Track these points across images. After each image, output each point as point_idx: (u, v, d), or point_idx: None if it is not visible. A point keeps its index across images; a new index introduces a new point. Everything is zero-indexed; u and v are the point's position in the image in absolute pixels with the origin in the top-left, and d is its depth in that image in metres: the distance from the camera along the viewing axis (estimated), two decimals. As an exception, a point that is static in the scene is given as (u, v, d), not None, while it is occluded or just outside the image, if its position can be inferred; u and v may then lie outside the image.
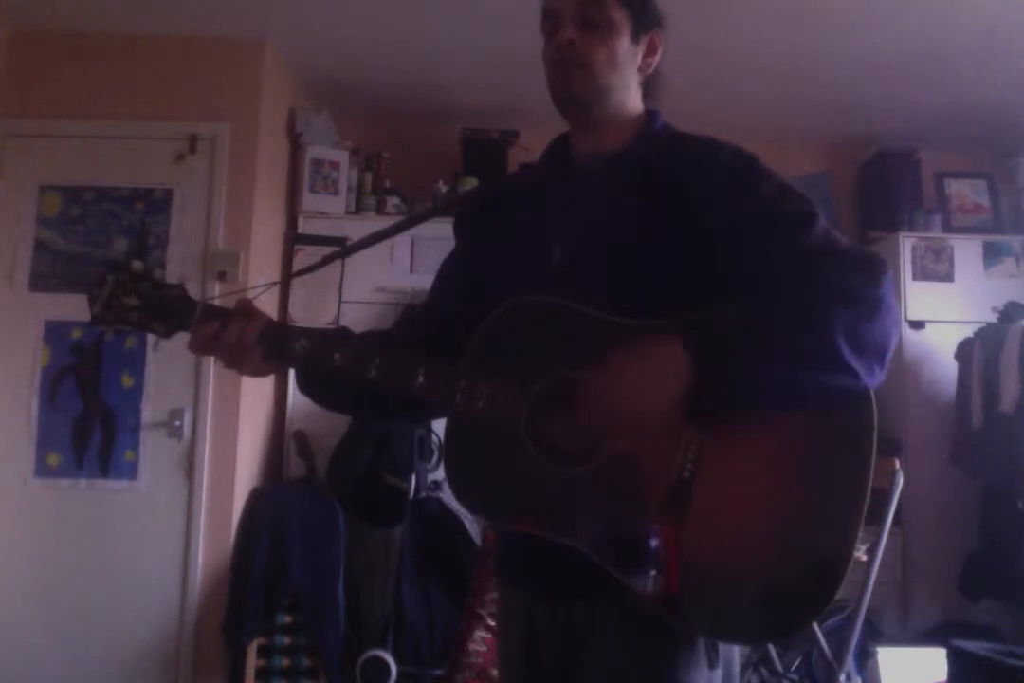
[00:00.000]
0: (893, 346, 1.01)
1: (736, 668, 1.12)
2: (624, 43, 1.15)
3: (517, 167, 1.37)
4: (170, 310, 1.13)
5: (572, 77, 1.14)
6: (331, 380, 1.16)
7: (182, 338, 1.16)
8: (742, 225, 1.07)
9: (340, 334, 1.21)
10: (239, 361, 1.13)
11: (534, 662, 1.17)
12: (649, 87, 1.23)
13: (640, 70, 1.20)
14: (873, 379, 0.99)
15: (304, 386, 1.24)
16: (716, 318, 1.02)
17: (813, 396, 0.99)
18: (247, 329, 1.11)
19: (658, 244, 1.10)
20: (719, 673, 1.08)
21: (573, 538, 1.04)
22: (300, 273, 1.31)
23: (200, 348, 1.13)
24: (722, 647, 1.09)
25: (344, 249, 1.33)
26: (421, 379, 1.07)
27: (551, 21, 1.17)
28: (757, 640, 1.09)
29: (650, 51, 1.20)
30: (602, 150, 1.18)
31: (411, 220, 1.35)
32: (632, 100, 1.21)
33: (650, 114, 1.23)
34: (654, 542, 1.00)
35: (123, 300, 1.12)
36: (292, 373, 1.25)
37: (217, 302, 1.18)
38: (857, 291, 0.99)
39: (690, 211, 1.09)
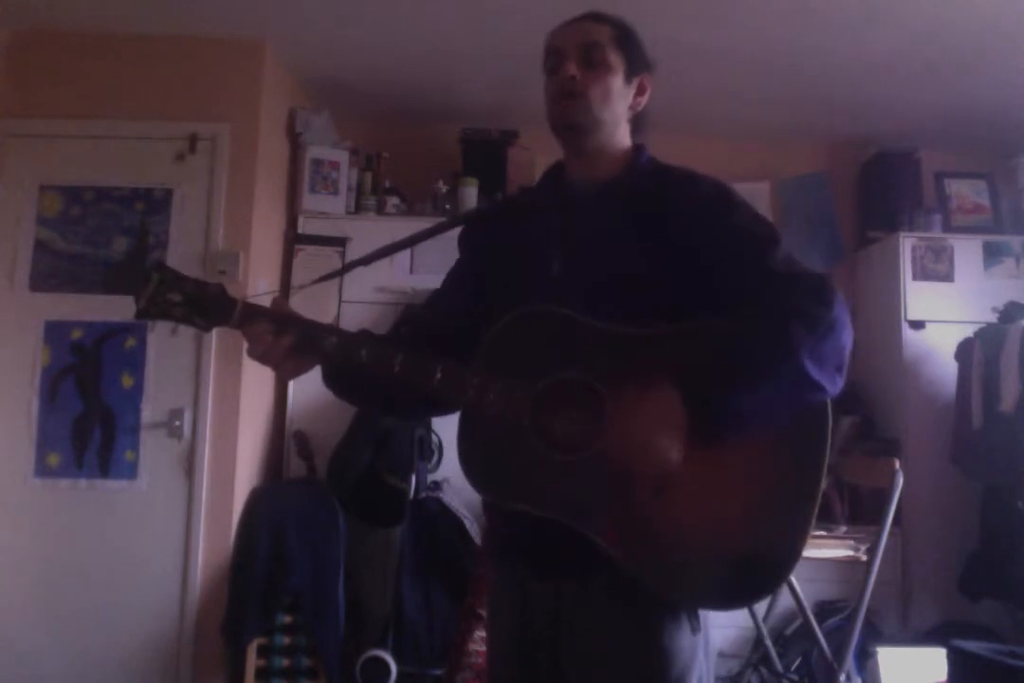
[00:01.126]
0: (848, 355, 1.17)
1: (712, 635, 1.26)
2: (618, 82, 1.30)
3: (516, 189, 1.56)
4: (211, 306, 1.24)
5: (570, 107, 1.28)
6: (354, 375, 1.29)
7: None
8: (718, 246, 1.22)
9: (364, 334, 1.32)
10: (276, 360, 1.24)
11: (525, 638, 1.28)
12: (637, 124, 1.37)
13: (630, 108, 1.34)
14: (836, 387, 1.15)
15: (328, 379, 1.36)
16: (701, 352, 1.15)
17: (791, 410, 1.16)
18: (278, 342, 1.23)
19: (646, 263, 1.24)
20: (701, 638, 1.22)
21: (564, 515, 1.17)
22: (323, 279, 1.44)
23: (253, 343, 1.24)
24: (702, 616, 1.22)
25: (360, 259, 1.46)
26: (439, 375, 1.20)
27: (553, 59, 1.31)
28: (722, 606, 1.23)
29: (640, 91, 1.35)
30: (595, 178, 1.33)
31: (423, 235, 1.46)
32: (622, 134, 1.35)
33: (637, 148, 1.37)
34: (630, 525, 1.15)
35: (167, 296, 1.24)
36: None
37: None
38: (814, 316, 1.14)
39: (674, 233, 1.24)
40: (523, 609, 1.28)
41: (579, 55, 1.28)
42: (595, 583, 1.21)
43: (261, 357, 1.24)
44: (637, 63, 1.33)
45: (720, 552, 1.15)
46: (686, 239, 1.23)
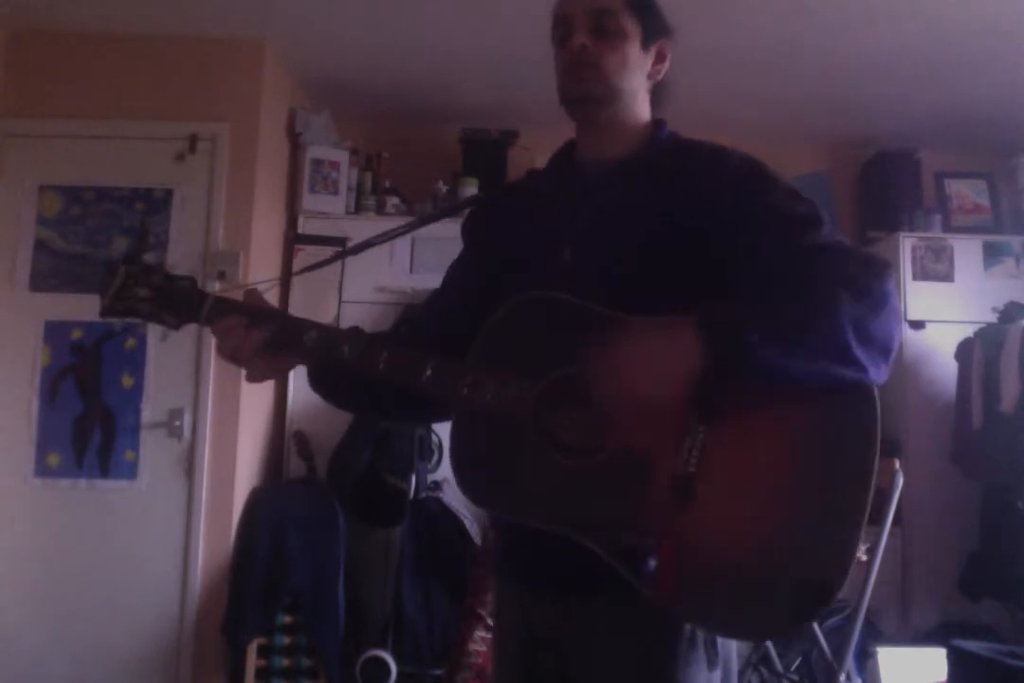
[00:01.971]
0: (897, 344, 1.02)
1: (735, 668, 1.13)
2: (634, 49, 1.18)
3: (524, 172, 1.39)
4: (181, 302, 1.14)
5: (583, 77, 1.17)
6: (341, 376, 1.19)
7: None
8: (752, 228, 1.09)
9: (351, 330, 1.23)
10: (246, 357, 1.13)
11: (530, 658, 1.18)
12: (657, 95, 1.26)
13: (649, 77, 1.23)
14: (878, 374, 1.01)
15: (314, 381, 1.26)
16: (728, 307, 1.02)
17: (819, 384, 1.01)
18: (248, 337, 1.12)
19: (666, 247, 1.12)
20: (718, 674, 1.08)
21: (575, 531, 1.05)
22: (305, 270, 1.35)
23: (222, 339, 1.13)
24: (721, 647, 1.09)
25: (351, 248, 1.37)
26: (429, 372, 1.09)
27: (562, 28, 1.20)
28: (753, 637, 1.11)
29: (659, 59, 1.23)
30: (609, 156, 1.21)
31: (419, 221, 1.38)
32: (640, 106, 1.23)
33: (657, 123, 1.25)
34: (651, 538, 1.01)
35: (134, 291, 1.14)
36: (293, 375, 1.26)
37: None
38: (864, 285, 1.00)
39: (698, 214, 1.11)
40: (528, 628, 1.18)
41: (590, 23, 1.17)
42: (604, 601, 1.09)
43: (231, 355, 1.13)
44: (655, 28, 1.21)
45: (753, 574, 1.00)
46: (712, 221, 1.10)
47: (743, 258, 1.09)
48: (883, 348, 1.00)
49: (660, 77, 1.24)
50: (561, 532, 1.06)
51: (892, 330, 1.01)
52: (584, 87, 1.17)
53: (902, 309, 3.35)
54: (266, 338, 1.12)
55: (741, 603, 1.01)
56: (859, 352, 0.98)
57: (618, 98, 1.19)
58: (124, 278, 1.14)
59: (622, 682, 1.10)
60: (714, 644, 1.08)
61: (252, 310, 1.15)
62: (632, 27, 1.18)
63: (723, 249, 1.10)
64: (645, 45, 1.20)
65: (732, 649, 1.12)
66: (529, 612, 1.19)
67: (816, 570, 0.99)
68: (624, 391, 1.01)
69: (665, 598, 1.01)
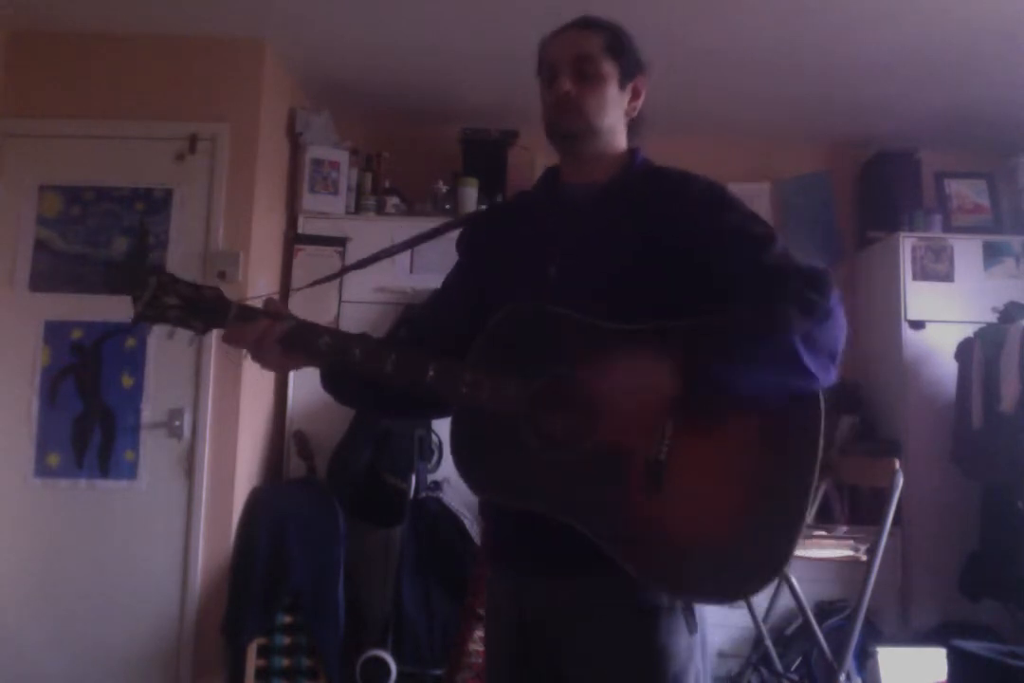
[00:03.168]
0: (841, 348, 1.17)
1: (708, 632, 1.26)
2: (612, 91, 1.33)
3: (514, 193, 1.54)
4: (207, 309, 1.24)
5: (566, 119, 1.31)
6: (351, 377, 1.29)
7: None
8: (714, 245, 1.23)
9: (359, 334, 1.31)
10: (262, 356, 1.24)
11: (523, 643, 1.28)
12: (633, 127, 1.39)
13: (626, 113, 1.37)
14: (827, 377, 1.15)
15: (325, 382, 1.37)
16: (696, 328, 1.17)
17: (777, 393, 1.16)
18: (271, 328, 1.23)
19: (642, 264, 1.25)
20: (698, 638, 1.22)
21: (563, 513, 1.17)
22: (319, 282, 1.46)
23: (231, 340, 1.25)
24: (698, 615, 1.22)
25: (355, 263, 1.50)
26: (432, 373, 1.20)
27: (549, 72, 1.34)
28: (715, 600, 1.25)
29: (634, 96, 1.37)
30: (590, 181, 1.34)
31: (421, 237, 1.48)
32: (618, 140, 1.37)
33: (632, 151, 1.39)
34: (624, 520, 1.15)
35: (164, 300, 1.24)
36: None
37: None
38: (811, 303, 1.15)
39: (669, 234, 1.25)
40: (519, 611, 1.28)
41: (572, 67, 1.31)
42: (589, 581, 1.21)
43: (255, 343, 1.22)
44: (630, 68, 1.34)
45: (716, 546, 1.14)
46: (682, 239, 1.24)
47: (707, 271, 1.22)
48: (829, 355, 1.15)
49: (635, 114, 1.38)
50: (556, 517, 1.17)
51: (837, 338, 1.16)
52: (567, 126, 1.32)
53: (902, 308, 3.43)
54: (285, 330, 1.22)
55: (708, 574, 1.15)
56: (808, 360, 1.13)
57: (598, 135, 1.33)
58: (155, 288, 1.23)
59: (611, 657, 1.20)
60: (691, 611, 1.21)
61: (273, 316, 1.24)
62: (610, 69, 1.32)
63: (691, 266, 1.23)
64: (622, 84, 1.34)
65: (705, 616, 1.25)
66: (523, 600, 1.28)
67: (767, 547, 1.14)
68: (613, 399, 1.16)
69: (644, 573, 1.14)
